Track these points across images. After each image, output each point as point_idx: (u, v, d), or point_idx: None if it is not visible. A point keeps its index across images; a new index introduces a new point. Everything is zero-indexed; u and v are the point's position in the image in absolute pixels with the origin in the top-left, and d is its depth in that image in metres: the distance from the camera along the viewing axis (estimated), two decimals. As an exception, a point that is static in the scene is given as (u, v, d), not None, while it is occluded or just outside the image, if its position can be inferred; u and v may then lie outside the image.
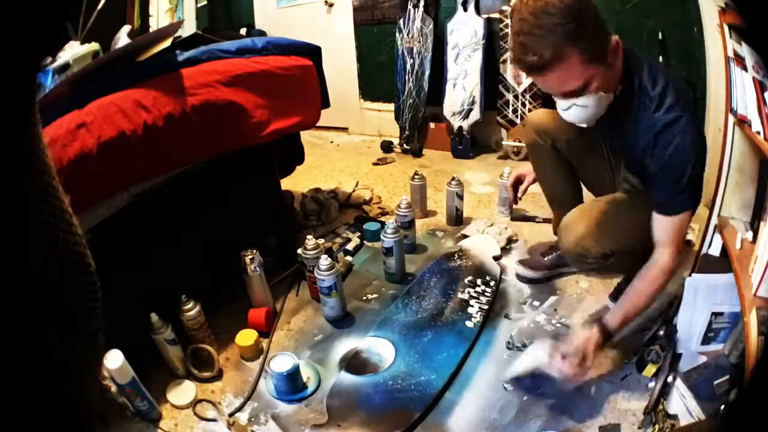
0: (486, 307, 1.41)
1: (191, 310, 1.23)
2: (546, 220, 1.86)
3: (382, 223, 1.68)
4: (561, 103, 1.00)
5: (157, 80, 1.14)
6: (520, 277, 1.56)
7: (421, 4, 2.67)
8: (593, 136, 1.30)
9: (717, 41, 1.07)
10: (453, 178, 1.90)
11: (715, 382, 0.96)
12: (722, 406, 0.91)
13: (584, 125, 1.04)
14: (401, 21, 2.75)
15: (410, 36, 2.74)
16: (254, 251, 1.39)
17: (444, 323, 1.36)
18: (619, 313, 1.07)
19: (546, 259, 1.54)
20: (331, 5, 3.06)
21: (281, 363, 1.16)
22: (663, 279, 1.05)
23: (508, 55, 2.49)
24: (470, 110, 2.65)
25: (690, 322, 1.11)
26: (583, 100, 0.96)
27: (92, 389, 0.54)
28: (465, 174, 2.41)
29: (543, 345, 1.11)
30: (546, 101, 2.40)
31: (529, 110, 2.51)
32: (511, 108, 2.55)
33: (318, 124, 1.66)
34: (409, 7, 2.70)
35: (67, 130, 0.96)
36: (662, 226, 1.04)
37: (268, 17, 3.33)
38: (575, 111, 0.98)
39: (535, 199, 1.98)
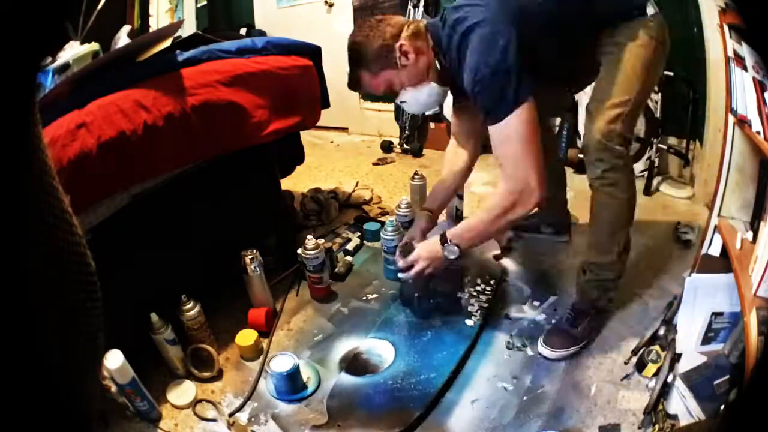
0: (486, 306, 1.41)
1: (191, 310, 1.23)
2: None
3: (382, 223, 1.68)
4: (397, 101, 1.24)
5: (157, 80, 1.13)
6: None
7: (421, 4, 2.67)
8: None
9: (717, 41, 1.07)
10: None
11: (715, 382, 0.96)
12: (722, 406, 0.91)
13: (427, 112, 1.30)
14: (401, 21, 2.75)
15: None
16: (254, 251, 1.39)
17: (444, 323, 1.36)
18: (463, 231, 1.19)
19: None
20: (331, 5, 3.06)
21: (281, 363, 1.16)
22: (503, 203, 1.11)
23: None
24: (470, 110, 2.65)
25: (690, 322, 1.11)
26: (403, 97, 1.21)
27: (92, 389, 0.54)
28: (465, 174, 2.40)
29: None
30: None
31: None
32: (511, 108, 2.55)
33: (318, 124, 1.66)
34: (409, 7, 2.70)
35: (67, 130, 0.96)
36: (496, 139, 1.08)
37: (268, 17, 3.33)
38: (405, 107, 1.25)
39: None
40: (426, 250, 1.23)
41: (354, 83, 1.23)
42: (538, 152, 1.07)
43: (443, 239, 1.20)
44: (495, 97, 1.03)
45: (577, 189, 1.86)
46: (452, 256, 1.19)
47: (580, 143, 1.74)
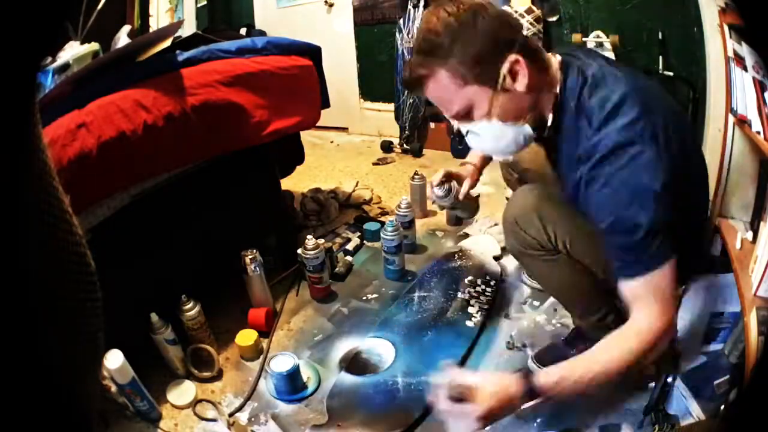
0: (486, 306, 1.41)
1: (191, 310, 1.23)
2: None
3: (382, 223, 1.68)
4: (461, 127, 0.90)
5: (157, 80, 1.13)
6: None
7: (421, 4, 2.66)
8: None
9: (717, 41, 1.07)
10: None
11: (715, 382, 0.96)
12: (722, 406, 0.91)
13: (499, 158, 0.95)
14: (401, 21, 2.74)
15: (410, 36, 2.73)
16: (254, 251, 1.39)
17: (444, 323, 1.36)
18: (556, 373, 0.77)
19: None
20: (331, 5, 3.06)
21: (281, 363, 1.16)
22: (637, 344, 0.76)
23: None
24: (470, 110, 2.65)
25: (690, 322, 1.11)
26: (476, 127, 0.86)
27: (92, 389, 0.54)
28: (465, 174, 2.40)
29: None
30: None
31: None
32: (511, 108, 2.55)
33: (318, 124, 1.65)
34: (409, 7, 2.70)
35: (67, 130, 0.96)
36: (632, 291, 0.78)
37: (268, 17, 3.33)
38: (470, 138, 0.90)
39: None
40: (494, 392, 0.76)
41: (416, 83, 0.83)
42: (675, 298, 0.82)
43: (527, 378, 0.77)
44: (637, 247, 0.75)
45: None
46: (526, 405, 0.78)
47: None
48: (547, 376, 0.77)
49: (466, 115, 0.85)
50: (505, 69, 0.78)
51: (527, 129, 0.85)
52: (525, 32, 0.93)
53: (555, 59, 0.85)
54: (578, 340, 1.19)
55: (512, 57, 0.77)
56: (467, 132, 0.90)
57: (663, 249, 0.75)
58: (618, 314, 1.06)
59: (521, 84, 0.79)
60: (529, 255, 1.03)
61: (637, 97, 0.77)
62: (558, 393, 0.77)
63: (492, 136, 0.86)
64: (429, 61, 0.79)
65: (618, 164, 0.74)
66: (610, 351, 0.77)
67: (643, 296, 0.77)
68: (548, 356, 1.20)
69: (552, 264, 1.01)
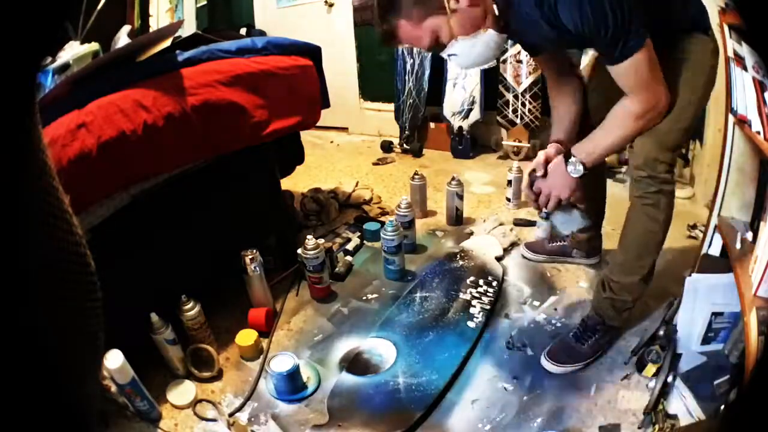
0: (488, 307, 1.41)
1: (191, 310, 1.23)
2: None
3: (382, 223, 1.68)
4: (442, 54, 1.04)
5: (157, 80, 1.13)
6: (523, 257, 1.67)
7: (421, 4, 2.66)
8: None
9: (717, 41, 1.07)
10: (453, 178, 1.90)
11: (715, 382, 0.96)
12: (722, 406, 0.91)
13: (482, 66, 1.07)
14: (401, 21, 2.75)
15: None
16: (254, 251, 1.39)
17: (446, 323, 1.36)
18: (587, 144, 1.08)
19: (550, 245, 1.64)
20: (331, 5, 3.06)
21: (281, 363, 1.16)
22: (632, 122, 1.01)
23: (508, 54, 2.49)
24: (470, 110, 2.65)
25: (690, 322, 1.11)
26: (450, 49, 1.00)
27: (92, 389, 0.54)
28: (465, 174, 2.41)
29: None
30: (546, 101, 2.40)
31: (529, 110, 2.51)
32: (511, 108, 2.55)
33: (318, 124, 1.66)
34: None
35: (67, 130, 0.96)
36: (619, 74, 0.96)
37: (268, 17, 3.33)
38: (455, 60, 1.03)
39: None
40: (554, 181, 1.11)
41: (388, 36, 0.99)
42: (661, 75, 0.97)
43: (567, 155, 1.09)
44: (612, 43, 0.91)
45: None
46: (576, 175, 1.08)
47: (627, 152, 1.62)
48: (581, 146, 1.08)
49: (438, 43, 0.98)
50: None
51: (491, 32, 0.99)
52: None
53: None
54: (587, 333, 1.23)
55: None
56: (449, 57, 1.03)
57: (634, 38, 0.90)
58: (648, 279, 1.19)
59: (463, 2, 0.93)
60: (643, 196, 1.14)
61: None
62: (590, 159, 1.07)
63: (465, 50, 1.00)
64: (389, 17, 0.96)
65: None
66: (618, 130, 1.03)
67: (630, 80, 0.96)
68: (559, 352, 1.23)
69: (648, 211, 1.13)
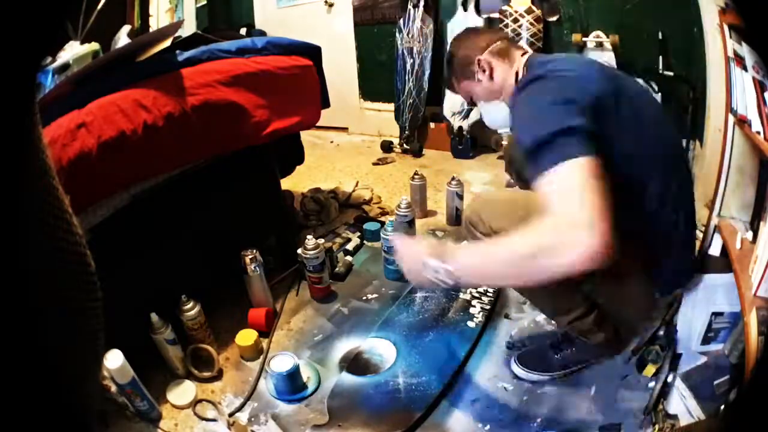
0: (488, 307, 1.41)
1: (191, 310, 1.23)
2: None
3: (382, 223, 1.68)
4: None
5: (157, 80, 1.13)
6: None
7: (421, 4, 2.67)
8: None
9: (717, 41, 1.07)
10: (453, 178, 1.90)
11: (715, 382, 0.96)
12: (722, 406, 0.91)
13: (500, 130, 1.24)
14: (401, 21, 2.75)
15: (410, 36, 2.73)
16: (254, 251, 1.39)
17: (446, 323, 1.36)
18: (465, 246, 1.10)
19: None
20: (331, 5, 3.06)
21: (281, 363, 1.16)
22: (537, 237, 0.71)
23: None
24: (470, 110, 2.65)
25: (690, 322, 1.10)
26: (480, 108, 1.22)
27: (92, 389, 0.54)
28: (465, 174, 2.41)
29: None
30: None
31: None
32: (511, 108, 2.55)
33: (318, 124, 1.66)
34: (409, 7, 2.70)
35: (67, 130, 0.96)
36: (539, 190, 0.76)
37: (268, 17, 3.33)
38: (483, 116, 1.23)
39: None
40: (408, 252, 0.89)
41: (449, 84, 1.27)
42: (602, 197, 0.70)
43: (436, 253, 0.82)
44: (531, 152, 0.78)
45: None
46: (438, 281, 0.80)
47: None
48: (454, 252, 0.81)
49: (472, 100, 1.20)
50: (476, 66, 1.11)
51: (503, 104, 1.14)
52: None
53: (529, 52, 1.12)
54: (564, 344, 1.18)
55: (479, 58, 1.10)
56: (481, 113, 1.24)
57: (564, 149, 0.74)
58: (599, 316, 1.09)
59: (487, 76, 1.11)
60: None
61: (579, 61, 1.09)
62: (458, 266, 0.78)
63: (486, 111, 1.20)
64: (449, 74, 1.21)
65: (528, 89, 0.91)
66: (513, 238, 0.74)
67: (547, 194, 0.74)
68: (531, 358, 1.21)
69: None
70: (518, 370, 1.20)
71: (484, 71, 1.11)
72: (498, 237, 0.86)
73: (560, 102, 0.81)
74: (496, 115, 1.18)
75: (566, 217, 0.70)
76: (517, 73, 1.10)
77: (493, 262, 0.78)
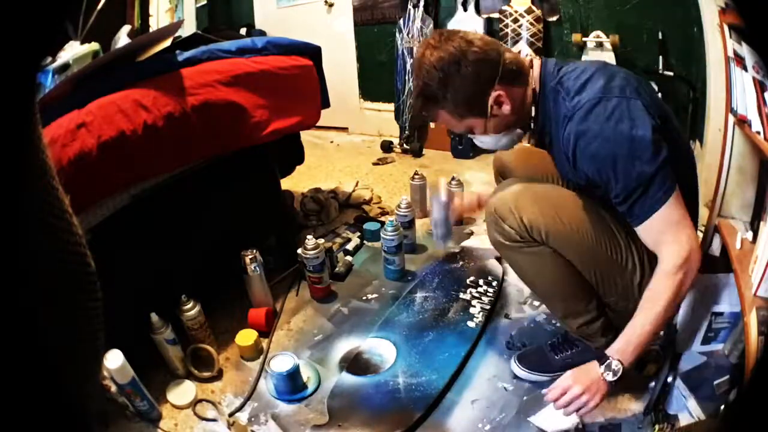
0: (488, 307, 1.41)
1: (191, 310, 1.23)
2: None
3: (382, 223, 1.68)
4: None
5: (157, 80, 1.14)
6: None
7: (421, 4, 2.67)
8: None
9: (717, 41, 1.06)
10: (453, 178, 1.90)
11: (715, 382, 0.96)
12: (722, 406, 0.91)
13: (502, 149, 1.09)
14: (401, 21, 2.75)
15: (410, 36, 2.73)
16: (254, 251, 1.39)
17: (446, 323, 1.36)
18: (624, 341, 0.90)
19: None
20: (331, 5, 3.06)
21: (281, 363, 1.16)
22: (670, 284, 0.86)
23: (508, 55, 2.49)
24: (470, 110, 2.65)
25: (690, 322, 1.10)
26: (478, 140, 1.05)
27: (92, 389, 0.54)
28: (465, 174, 2.41)
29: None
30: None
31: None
32: (511, 108, 2.55)
33: (318, 124, 1.66)
34: (409, 7, 2.70)
35: (67, 130, 0.96)
36: (644, 234, 0.89)
37: (268, 17, 3.33)
38: (478, 143, 1.07)
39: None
40: (582, 377, 0.92)
41: (421, 120, 1.09)
42: (690, 221, 0.88)
43: (602, 359, 0.90)
44: (633, 197, 0.85)
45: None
46: (613, 378, 0.89)
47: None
48: (615, 348, 0.90)
49: (470, 132, 1.02)
50: (491, 102, 0.93)
51: (518, 132, 1.03)
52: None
53: (537, 62, 0.99)
54: (564, 345, 1.17)
55: (494, 93, 0.93)
56: (476, 140, 1.06)
57: (664, 185, 0.83)
58: (606, 322, 1.08)
59: (506, 109, 0.95)
60: (508, 247, 1.02)
61: (611, 70, 0.92)
62: (631, 355, 0.89)
63: (491, 143, 1.04)
64: (428, 106, 0.97)
65: (604, 115, 0.84)
66: (655, 306, 0.87)
67: (659, 236, 0.87)
68: (531, 358, 1.20)
69: (533, 257, 1.01)
70: (518, 370, 1.19)
71: (501, 106, 0.94)
72: (634, 308, 0.91)
73: (647, 131, 0.82)
74: (503, 143, 1.05)
75: (681, 262, 0.85)
76: (534, 90, 0.97)
77: (651, 334, 0.90)
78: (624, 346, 0.90)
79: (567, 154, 0.91)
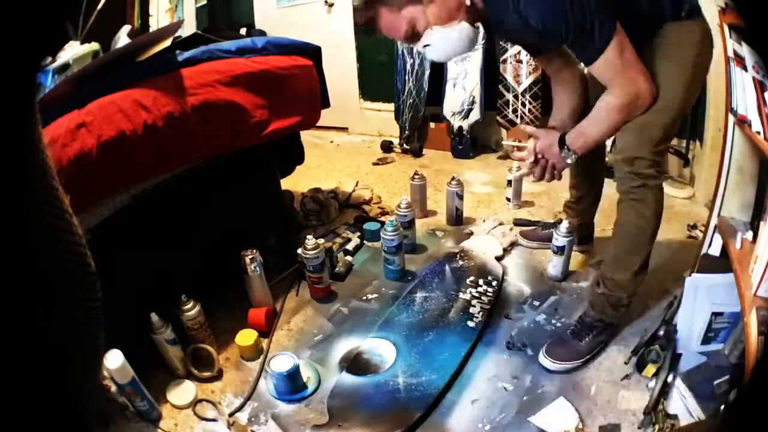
0: (488, 307, 1.41)
1: (191, 310, 1.23)
2: (547, 226, 1.77)
3: (382, 223, 1.68)
4: (417, 47, 1.08)
5: (157, 80, 1.13)
6: (519, 243, 1.75)
7: (421, 4, 2.66)
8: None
9: (717, 41, 1.07)
10: (453, 178, 1.90)
11: (715, 382, 0.96)
12: (722, 406, 0.91)
13: (455, 59, 1.17)
14: (401, 21, 2.75)
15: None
16: (254, 251, 1.39)
17: (446, 323, 1.36)
18: (577, 134, 1.12)
19: (543, 232, 1.72)
20: (331, 5, 3.06)
21: (281, 363, 1.16)
22: (614, 114, 1.04)
23: (507, 54, 2.49)
24: (470, 110, 2.65)
25: (690, 322, 1.11)
26: (425, 40, 1.03)
27: (92, 389, 0.54)
28: (465, 174, 2.41)
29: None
30: (546, 101, 2.40)
31: (529, 110, 2.51)
32: (510, 108, 2.55)
33: (318, 124, 1.66)
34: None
35: (67, 130, 0.96)
36: (595, 71, 1.01)
37: (268, 17, 3.33)
38: (428, 51, 1.06)
39: (536, 203, 1.97)
40: (548, 151, 1.18)
41: (368, 22, 1.04)
42: (639, 64, 0.99)
43: (561, 142, 1.14)
44: (579, 43, 0.97)
45: (605, 194, 1.62)
46: (570, 161, 1.16)
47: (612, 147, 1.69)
48: (572, 133, 1.13)
49: (414, 33, 1.02)
50: None
51: (465, 25, 1.02)
52: None
53: None
54: (584, 331, 1.24)
55: None
56: (424, 47, 1.05)
57: (603, 32, 0.93)
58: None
59: None
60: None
61: None
62: (580, 149, 1.13)
63: (440, 40, 1.03)
64: (369, 5, 1.01)
65: None
66: (601, 123, 1.07)
67: (605, 75, 1.00)
68: (557, 349, 1.23)
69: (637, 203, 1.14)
70: (549, 363, 1.22)
71: None
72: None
73: None
74: (453, 40, 1.03)
75: (632, 91, 1.00)
76: None
77: (599, 136, 1.10)
78: (580, 141, 1.12)
79: (515, 16, 0.96)
